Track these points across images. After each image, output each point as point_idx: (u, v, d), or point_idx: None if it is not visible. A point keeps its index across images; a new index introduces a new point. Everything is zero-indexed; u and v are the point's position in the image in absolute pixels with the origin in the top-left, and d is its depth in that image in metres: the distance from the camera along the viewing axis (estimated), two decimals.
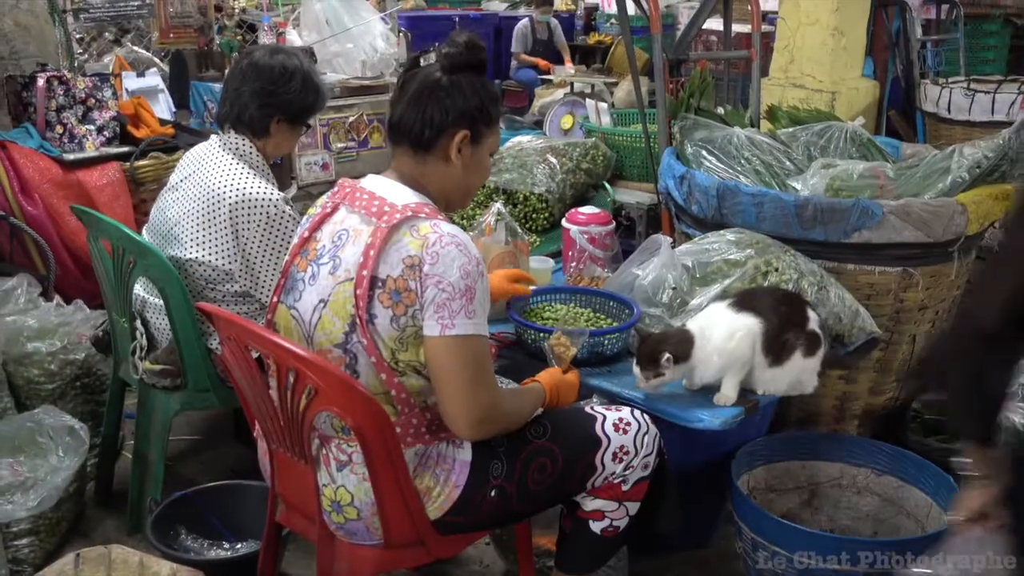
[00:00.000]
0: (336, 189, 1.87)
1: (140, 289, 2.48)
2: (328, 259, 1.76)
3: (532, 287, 2.49)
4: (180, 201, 2.44)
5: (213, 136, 2.51)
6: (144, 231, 2.58)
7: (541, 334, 2.25)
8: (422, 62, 1.82)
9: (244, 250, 2.35)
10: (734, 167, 2.84)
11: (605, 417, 1.90)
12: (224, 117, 2.47)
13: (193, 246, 2.37)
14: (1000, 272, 1.47)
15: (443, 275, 1.65)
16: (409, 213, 1.71)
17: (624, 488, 1.90)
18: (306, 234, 1.83)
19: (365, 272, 1.67)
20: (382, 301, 1.67)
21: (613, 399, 2.15)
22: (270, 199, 2.34)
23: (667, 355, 2.07)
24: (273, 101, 2.43)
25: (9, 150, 3.55)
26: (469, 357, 1.67)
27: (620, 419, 1.90)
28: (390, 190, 1.78)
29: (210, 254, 2.37)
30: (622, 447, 1.87)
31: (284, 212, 2.34)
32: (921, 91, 5.54)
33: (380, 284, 1.67)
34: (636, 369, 2.12)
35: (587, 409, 1.94)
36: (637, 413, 1.94)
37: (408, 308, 1.67)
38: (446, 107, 1.76)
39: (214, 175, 2.38)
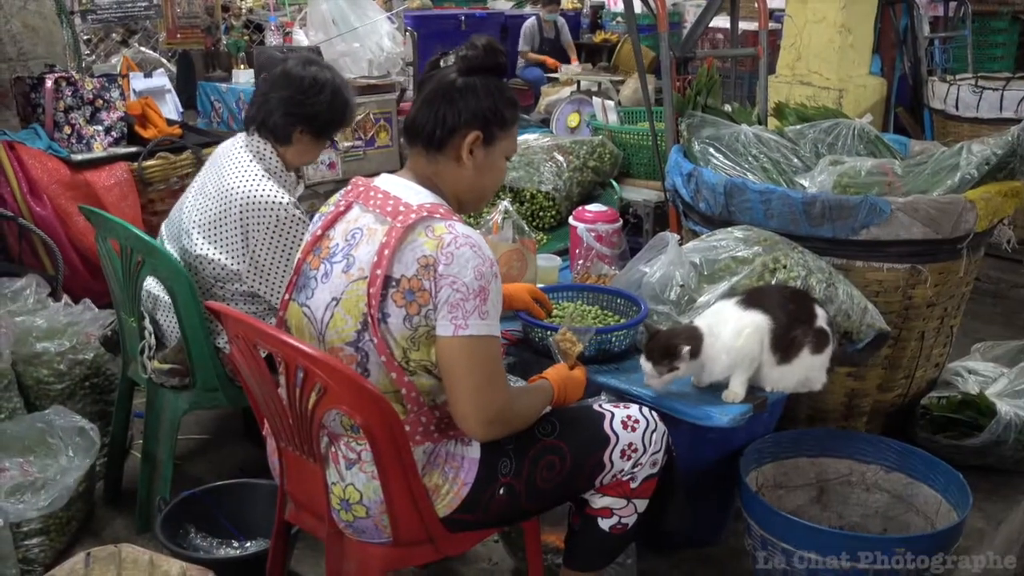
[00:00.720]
0: (349, 187, 1.87)
1: (152, 286, 2.49)
2: (341, 257, 1.76)
3: (540, 286, 2.49)
4: (197, 197, 2.47)
5: (240, 134, 2.52)
6: (163, 224, 2.60)
7: (548, 331, 2.25)
8: (442, 64, 1.83)
9: (253, 252, 2.36)
10: (741, 164, 2.83)
11: (613, 415, 1.90)
12: (250, 120, 2.49)
13: (204, 243, 2.39)
14: None
15: (457, 276, 1.66)
16: (424, 213, 1.71)
17: (632, 485, 1.90)
18: (319, 232, 1.84)
19: (379, 271, 1.67)
20: (395, 300, 1.67)
21: (621, 396, 2.15)
22: (280, 203, 2.34)
23: (686, 348, 2.07)
24: (298, 111, 2.44)
25: (17, 151, 3.56)
26: (481, 357, 1.68)
27: (628, 416, 1.90)
28: (405, 190, 1.78)
29: (220, 252, 2.38)
30: (630, 444, 1.87)
31: (293, 216, 2.35)
32: (929, 88, 5.53)
33: (394, 284, 1.68)
34: (647, 365, 2.10)
35: (595, 407, 1.94)
36: (645, 410, 1.94)
37: (422, 308, 1.67)
38: (458, 108, 1.77)
39: (230, 175, 2.39)
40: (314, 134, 2.49)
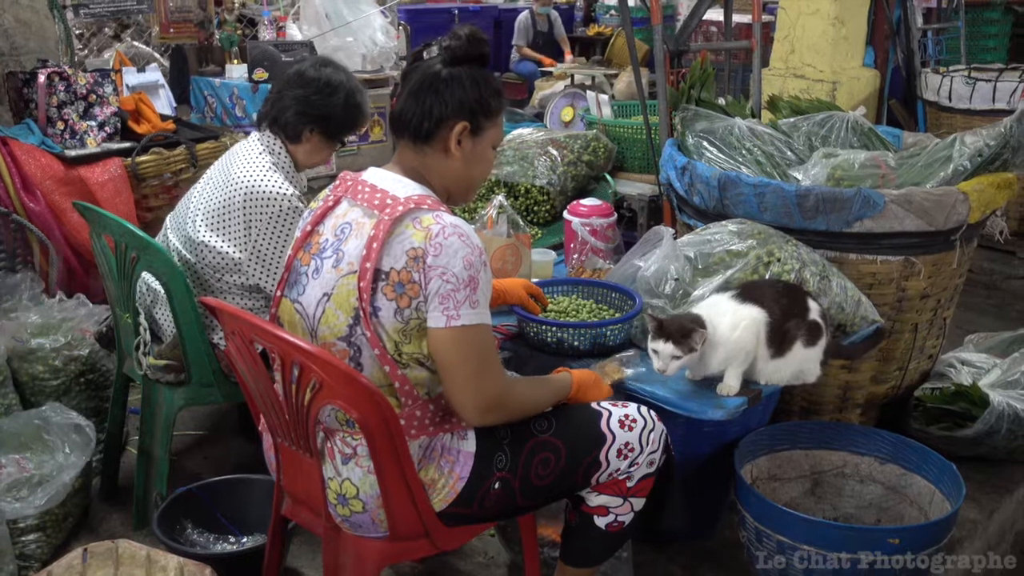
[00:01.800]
0: (338, 182, 1.87)
1: (151, 280, 2.49)
2: (331, 252, 1.76)
3: (535, 280, 2.50)
4: (205, 186, 2.50)
5: (255, 132, 2.55)
6: (169, 216, 2.62)
7: (543, 326, 2.26)
8: (425, 55, 1.82)
9: (255, 242, 2.38)
10: (735, 158, 2.84)
11: (611, 413, 1.89)
12: (263, 116, 2.52)
13: (207, 231, 2.41)
14: None
15: (447, 266, 1.66)
16: (412, 205, 1.71)
17: (629, 484, 1.89)
18: (308, 228, 1.84)
19: (368, 265, 1.67)
20: (386, 293, 1.68)
21: (616, 389, 2.15)
22: (283, 194, 2.36)
23: (703, 332, 2.07)
24: (311, 111, 2.46)
25: (11, 146, 3.55)
26: (475, 346, 1.68)
27: (626, 416, 1.90)
28: (392, 183, 1.78)
29: (222, 241, 2.39)
30: (627, 444, 1.87)
31: (296, 208, 2.36)
32: (922, 80, 5.54)
33: (384, 277, 1.68)
34: (666, 347, 2.07)
35: (593, 404, 1.93)
36: (644, 409, 1.93)
37: (412, 300, 1.67)
38: (445, 99, 1.77)
39: (238, 165, 2.43)
40: (324, 135, 2.51)
